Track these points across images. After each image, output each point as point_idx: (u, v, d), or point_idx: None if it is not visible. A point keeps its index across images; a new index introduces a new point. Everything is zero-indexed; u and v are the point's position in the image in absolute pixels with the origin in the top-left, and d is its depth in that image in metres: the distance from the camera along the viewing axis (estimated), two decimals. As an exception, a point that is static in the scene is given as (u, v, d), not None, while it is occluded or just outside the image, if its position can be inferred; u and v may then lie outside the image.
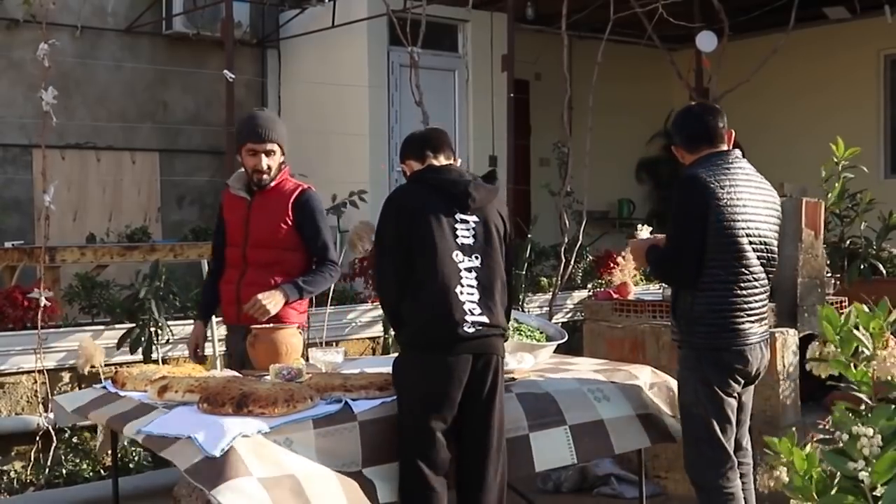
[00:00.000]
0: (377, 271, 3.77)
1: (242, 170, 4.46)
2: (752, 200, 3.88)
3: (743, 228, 3.81)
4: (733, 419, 3.92)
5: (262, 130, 4.33)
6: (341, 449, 3.41)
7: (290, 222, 4.36)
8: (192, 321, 4.97)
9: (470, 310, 3.55)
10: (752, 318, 3.88)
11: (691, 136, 3.97)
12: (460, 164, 3.89)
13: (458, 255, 3.58)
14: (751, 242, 3.84)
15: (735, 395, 3.91)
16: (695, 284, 3.83)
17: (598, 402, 4.03)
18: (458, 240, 3.60)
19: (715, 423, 3.85)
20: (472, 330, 3.54)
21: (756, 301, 3.89)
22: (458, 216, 3.62)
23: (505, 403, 3.77)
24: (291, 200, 4.37)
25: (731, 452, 3.89)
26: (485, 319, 3.56)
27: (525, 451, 3.79)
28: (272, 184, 4.39)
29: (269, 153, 4.34)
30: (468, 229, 3.62)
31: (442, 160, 3.76)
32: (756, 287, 3.88)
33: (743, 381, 3.93)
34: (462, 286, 3.56)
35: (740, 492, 3.89)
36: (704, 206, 3.76)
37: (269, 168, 4.35)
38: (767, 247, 3.92)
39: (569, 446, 3.87)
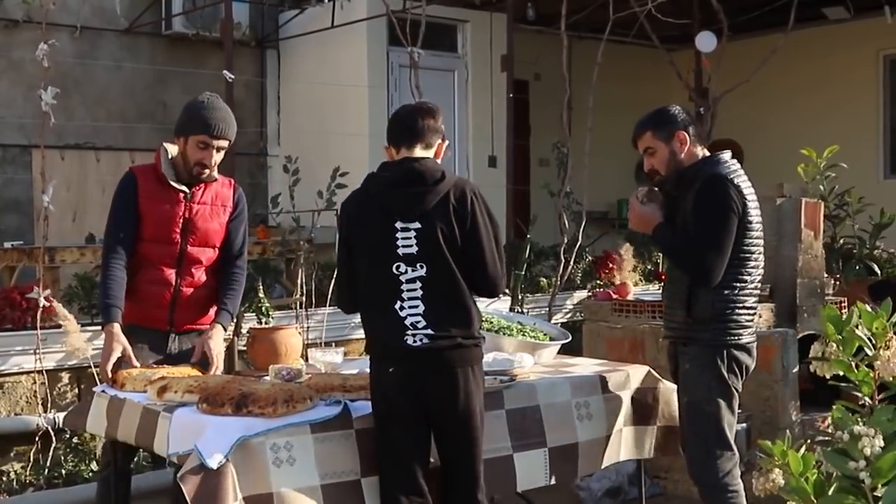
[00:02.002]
0: (335, 279, 3.67)
1: (171, 156, 4.04)
2: (756, 202, 3.95)
3: (760, 229, 3.90)
4: (736, 417, 3.95)
5: (221, 125, 3.98)
6: (339, 457, 3.39)
7: (227, 219, 4.13)
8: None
9: (413, 323, 3.37)
10: (755, 316, 3.96)
11: (700, 131, 4.04)
12: (446, 145, 3.69)
13: (399, 267, 3.40)
14: (763, 243, 3.93)
15: (739, 392, 3.95)
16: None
17: (579, 422, 4.01)
18: (399, 250, 3.41)
19: (725, 420, 3.86)
20: (416, 343, 3.35)
21: (757, 300, 3.97)
22: (399, 224, 3.43)
23: (491, 423, 3.64)
24: (232, 195, 4.15)
25: (735, 450, 3.91)
26: (431, 332, 3.37)
27: (509, 471, 3.75)
28: (216, 178, 4.10)
29: (219, 150, 4.01)
30: (409, 238, 3.42)
31: (417, 150, 3.58)
32: (758, 285, 3.96)
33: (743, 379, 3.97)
34: (402, 300, 3.39)
35: (743, 490, 3.89)
36: (738, 205, 3.81)
37: (216, 164, 4.04)
38: (764, 246, 4.00)
39: (545, 468, 3.86)
